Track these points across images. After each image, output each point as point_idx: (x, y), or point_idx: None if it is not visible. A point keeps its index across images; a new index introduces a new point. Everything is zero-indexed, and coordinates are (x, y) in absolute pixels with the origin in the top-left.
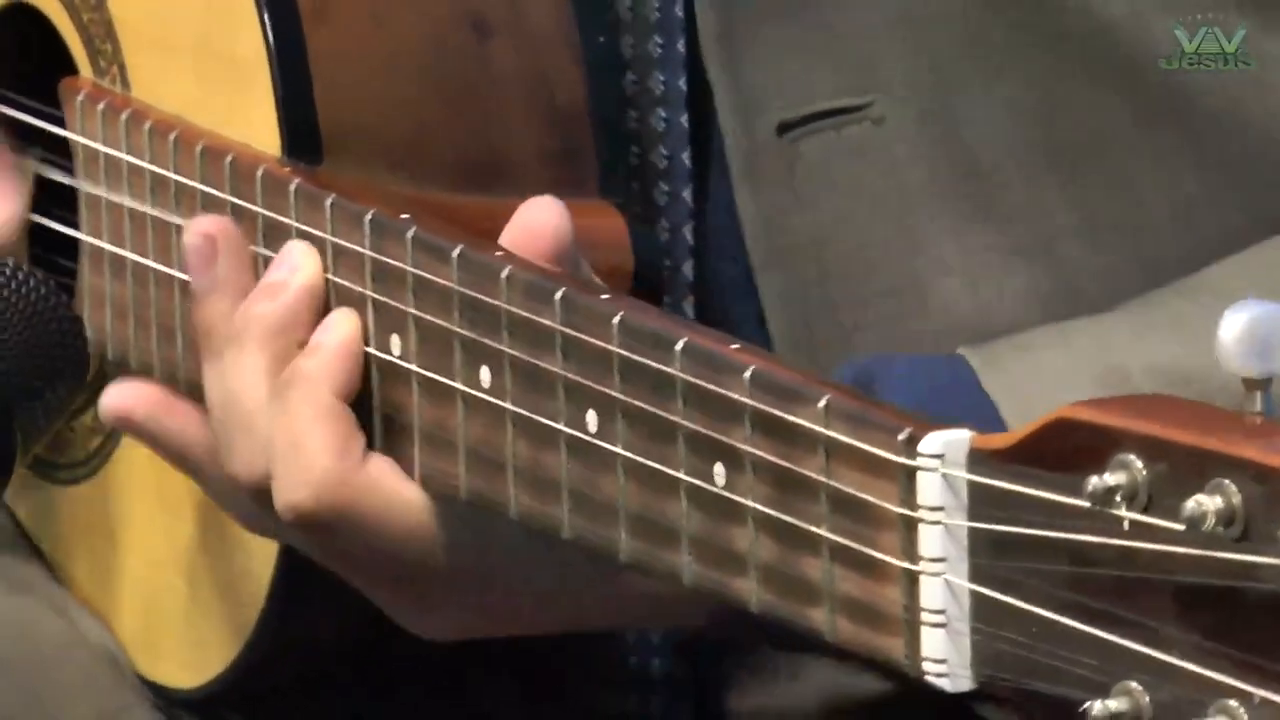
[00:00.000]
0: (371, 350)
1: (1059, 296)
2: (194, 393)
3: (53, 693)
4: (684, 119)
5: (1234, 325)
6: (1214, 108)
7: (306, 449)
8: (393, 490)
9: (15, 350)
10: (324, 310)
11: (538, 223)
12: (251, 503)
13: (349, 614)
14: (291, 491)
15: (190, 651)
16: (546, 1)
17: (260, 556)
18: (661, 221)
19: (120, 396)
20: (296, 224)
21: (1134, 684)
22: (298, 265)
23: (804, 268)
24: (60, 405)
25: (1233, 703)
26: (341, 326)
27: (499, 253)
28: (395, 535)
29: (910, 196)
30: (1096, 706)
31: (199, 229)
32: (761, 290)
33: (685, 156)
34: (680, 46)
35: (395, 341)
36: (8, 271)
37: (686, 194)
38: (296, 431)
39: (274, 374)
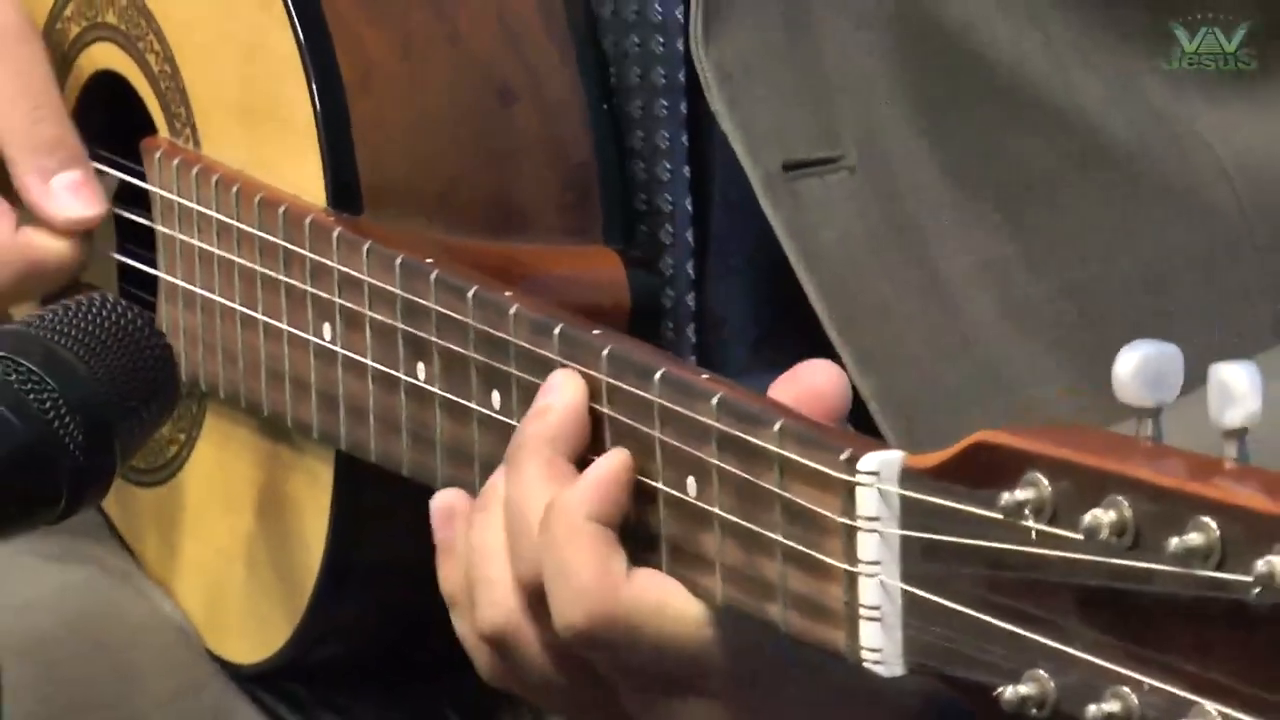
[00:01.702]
0: (400, 375)
1: (1013, 316)
2: (253, 410)
3: (140, 668)
4: (686, 170)
5: (1129, 362)
6: (1133, 154)
7: (571, 571)
8: (660, 599)
9: (115, 375)
10: (587, 425)
11: (823, 385)
12: (518, 597)
13: (388, 603)
14: (566, 611)
15: (252, 631)
16: (561, 72)
17: (312, 549)
18: (666, 259)
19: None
20: (339, 266)
21: (1041, 671)
22: (560, 390)
23: (820, 275)
24: (154, 423)
25: (1125, 689)
26: (607, 461)
27: (508, 293)
28: (668, 641)
29: (883, 234)
30: (1008, 690)
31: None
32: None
33: (687, 202)
34: (683, 108)
35: (421, 368)
36: (108, 305)
37: (688, 235)
38: (561, 556)
39: (548, 479)
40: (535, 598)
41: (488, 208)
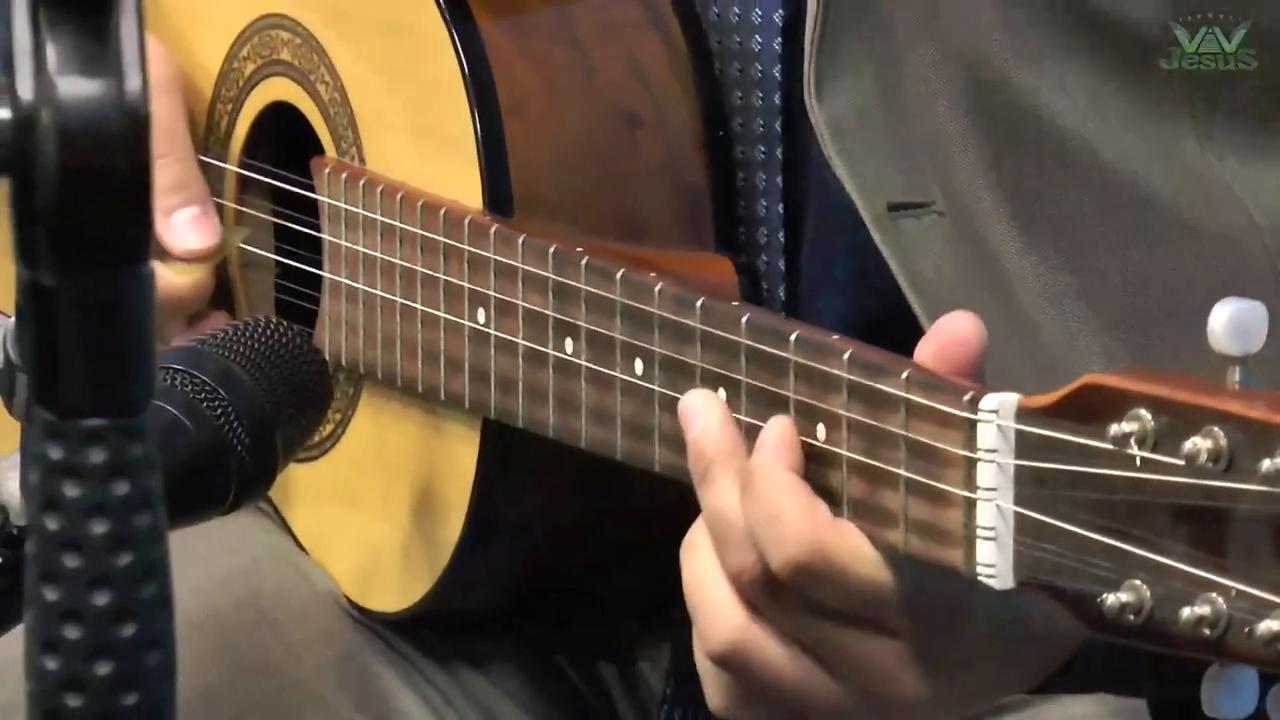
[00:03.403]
0: (549, 350)
1: (1076, 338)
2: (408, 387)
3: (301, 640)
4: (780, 207)
5: (1221, 315)
6: (1173, 206)
7: (784, 515)
8: (857, 542)
9: (277, 385)
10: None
11: (962, 333)
12: (740, 606)
13: (520, 558)
14: (785, 548)
15: (397, 583)
16: (681, 103)
17: (455, 508)
18: (762, 284)
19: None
20: (495, 257)
21: (1138, 581)
22: (704, 410)
23: (924, 297)
24: (310, 426)
25: (1214, 594)
26: (775, 426)
27: (652, 274)
28: (863, 580)
29: (969, 267)
30: (1110, 598)
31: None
32: None
33: (780, 235)
34: (779, 153)
35: (569, 343)
36: (270, 325)
37: (780, 263)
38: (770, 507)
39: (735, 480)
40: (756, 592)
41: (618, 217)
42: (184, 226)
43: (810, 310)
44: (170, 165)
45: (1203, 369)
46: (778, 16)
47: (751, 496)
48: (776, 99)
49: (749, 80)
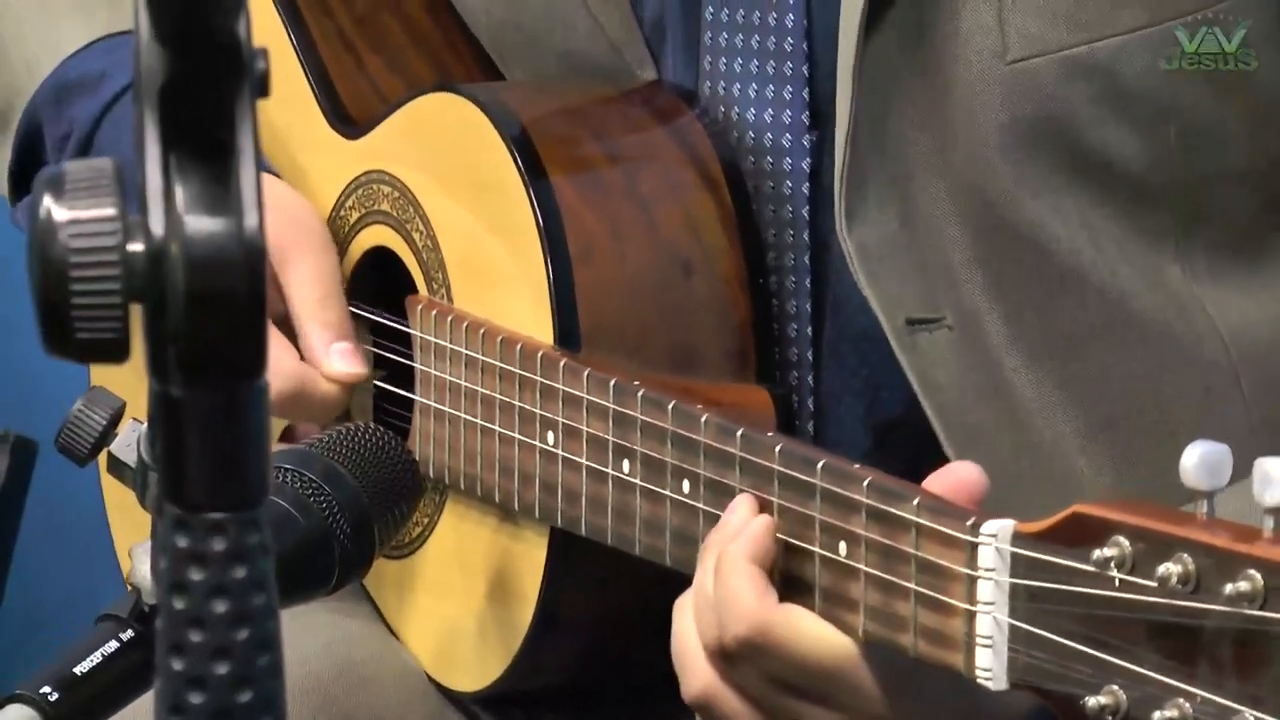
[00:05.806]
0: (609, 470)
1: (1065, 438)
2: (486, 497)
3: (395, 703)
4: (809, 329)
5: (1192, 455)
6: (1154, 320)
7: (738, 596)
8: (799, 624)
9: (375, 483)
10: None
11: (968, 480)
12: (710, 665)
13: (584, 646)
14: (734, 625)
15: (475, 665)
16: (728, 253)
17: (526, 602)
18: (792, 398)
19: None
20: (563, 388)
21: (1116, 686)
22: (730, 509)
23: (936, 402)
24: (403, 519)
25: (1182, 700)
26: (758, 522)
27: (699, 406)
28: (802, 656)
29: (976, 376)
30: (1091, 700)
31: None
32: None
33: (809, 353)
34: (808, 283)
35: (626, 464)
36: (370, 430)
37: (809, 378)
38: (728, 587)
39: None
40: (722, 658)
41: (672, 352)
42: (338, 356)
43: (833, 416)
44: (334, 307)
45: (1175, 466)
46: (805, 164)
47: (718, 577)
48: (805, 235)
49: (781, 220)
